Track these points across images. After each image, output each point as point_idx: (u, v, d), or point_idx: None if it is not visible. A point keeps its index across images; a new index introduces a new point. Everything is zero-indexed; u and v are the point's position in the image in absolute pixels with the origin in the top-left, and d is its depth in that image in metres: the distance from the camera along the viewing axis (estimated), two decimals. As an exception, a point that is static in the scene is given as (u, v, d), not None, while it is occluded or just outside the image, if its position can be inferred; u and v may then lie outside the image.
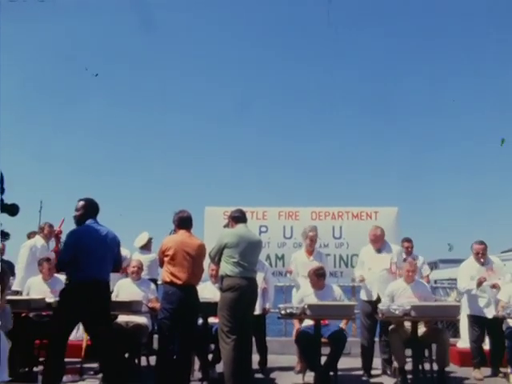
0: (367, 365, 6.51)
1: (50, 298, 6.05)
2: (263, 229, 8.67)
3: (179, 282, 5.37)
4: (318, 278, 6.37)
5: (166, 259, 5.47)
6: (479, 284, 6.33)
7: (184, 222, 5.69)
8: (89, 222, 5.05)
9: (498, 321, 6.25)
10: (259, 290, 6.06)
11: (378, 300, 6.35)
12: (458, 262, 9.02)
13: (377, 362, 6.65)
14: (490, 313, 6.35)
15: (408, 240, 8.06)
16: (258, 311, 6.22)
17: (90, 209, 5.13)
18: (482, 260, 6.50)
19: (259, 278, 6.07)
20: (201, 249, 5.62)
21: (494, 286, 6.33)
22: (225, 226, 6.00)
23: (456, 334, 8.11)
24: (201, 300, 5.75)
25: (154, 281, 7.19)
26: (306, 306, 5.61)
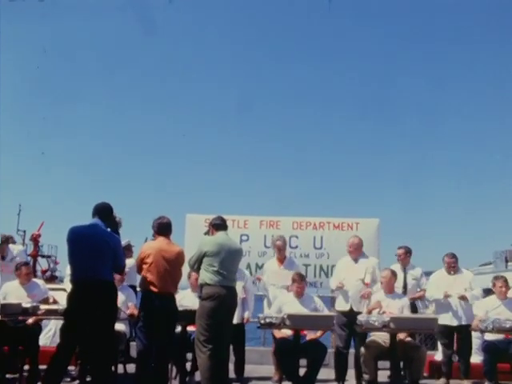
0: (341, 376, 6.46)
1: (27, 303, 5.95)
2: (244, 237, 8.67)
3: (157, 290, 5.34)
4: (300, 278, 6.37)
5: (144, 266, 5.42)
6: (446, 296, 6.47)
7: (163, 229, 5.65)
8: (92, 221, 5.03)
9: (463, 330, 6.41)
10: (238, 300, 6.04)
11: (351, 310, 6.36)
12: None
13: (351, 373, 6.61)
14: (455, 321, 6.45)
15: (400, 247, 7.33)
16: (236, 320, 6.19)
17: (95, 210, 5.10)
18: (452, 272, 6.67)
19: (238, 286, 6.04)
20: (180, 256, 5.58)
21: (462, 298, 6.44)
22: (205, 234, 5.98)
23: (434, 347, 8.14)
24: (180, 308, 5.72)
25: (133, 287, 7.12)
26: (285, 316, 5.59)
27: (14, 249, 7.53)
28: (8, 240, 7.68)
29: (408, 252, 7.14)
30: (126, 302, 6.45)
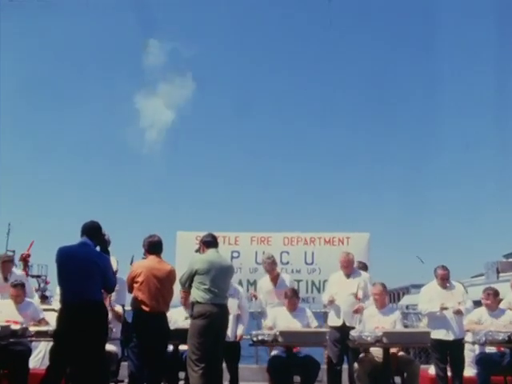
0: None
1: (17, 326, 5.87)
2: (235, 254, 8.64)
3: (148, 309, 5.32)
4: (292, 294, 6.40)
5: (135, 285, 5.40)
6: (442, 309, 6.38)
7: (154, 247, 5.64)
8: (80, 240, 5.01)
9: (457, 344, 6.34)
10: (233, 317, 6.02)
11: (344, 325, 6.35)
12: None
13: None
14: (450, 336, 6.39)
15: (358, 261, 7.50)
16: (231, 338, 6.15)
17: (83, 229, 5.07)
18: (447, 284, 6.60)
19: (233, 304, 6.03)
20: (171, 274, 5.57)
21: (457, 312, 6.38)
22: (196, 251, 5.97)
23: (428, 361, 8.12)
24: (172, 327, 5.68)
25: (122, 306, 7.05)
26: (277, 333, 5.57)
27: (17, 273, 7.50)
28: (12, 260, 7.64)
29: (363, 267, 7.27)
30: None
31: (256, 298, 7.13)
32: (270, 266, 6.97)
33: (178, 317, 6.44)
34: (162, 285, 5.41)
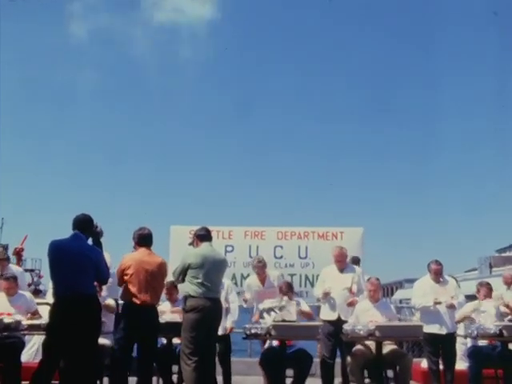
0: None
1: (10, 319, 5.86)
2: (229, 248, 8.66)
3: (138, 302, 5.30)
4: (286, 288, 6.38)
5: (125, 278, 5.39)
6: (436, 303, 6.40)
7: (144, 240, 5.61)
8: (72, 234, 5.01)
9: (450, 337, 6.40)
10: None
11: (339, 319, 6.37)
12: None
13: (338, 382, 6.60)
14: (444, 330, 6.43)
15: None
16: (221, 331, 6.15)
17: (75, 222, 5.07)
18: (440, 279, 6.62)
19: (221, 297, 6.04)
20: (161, 267, 5.55)
21: (450, 306, 6.40)
22: (190, 244, 5.96)
23: (421, 354, 8.16)
24: (164, 321, 5.69)
25: (115, 300, 7.04)
26: (270, 327, 5.58)
27: (17, 270, 7.46)
28: (8, 257, 7.60)
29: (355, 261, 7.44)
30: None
31: (246, 302, 7.13)
32: (261, 269, 7.01)
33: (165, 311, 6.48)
34: (152, 277, 5.39)
